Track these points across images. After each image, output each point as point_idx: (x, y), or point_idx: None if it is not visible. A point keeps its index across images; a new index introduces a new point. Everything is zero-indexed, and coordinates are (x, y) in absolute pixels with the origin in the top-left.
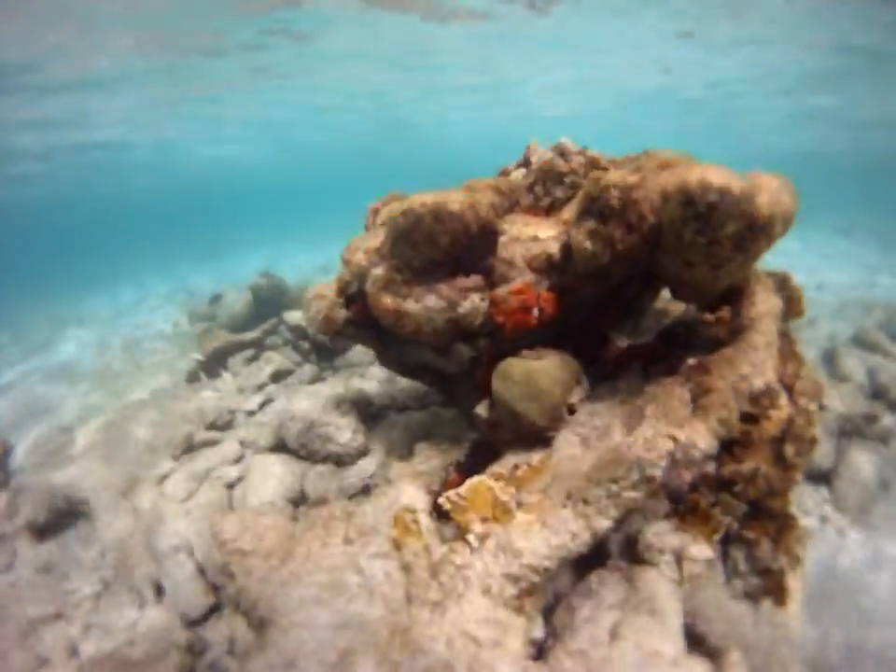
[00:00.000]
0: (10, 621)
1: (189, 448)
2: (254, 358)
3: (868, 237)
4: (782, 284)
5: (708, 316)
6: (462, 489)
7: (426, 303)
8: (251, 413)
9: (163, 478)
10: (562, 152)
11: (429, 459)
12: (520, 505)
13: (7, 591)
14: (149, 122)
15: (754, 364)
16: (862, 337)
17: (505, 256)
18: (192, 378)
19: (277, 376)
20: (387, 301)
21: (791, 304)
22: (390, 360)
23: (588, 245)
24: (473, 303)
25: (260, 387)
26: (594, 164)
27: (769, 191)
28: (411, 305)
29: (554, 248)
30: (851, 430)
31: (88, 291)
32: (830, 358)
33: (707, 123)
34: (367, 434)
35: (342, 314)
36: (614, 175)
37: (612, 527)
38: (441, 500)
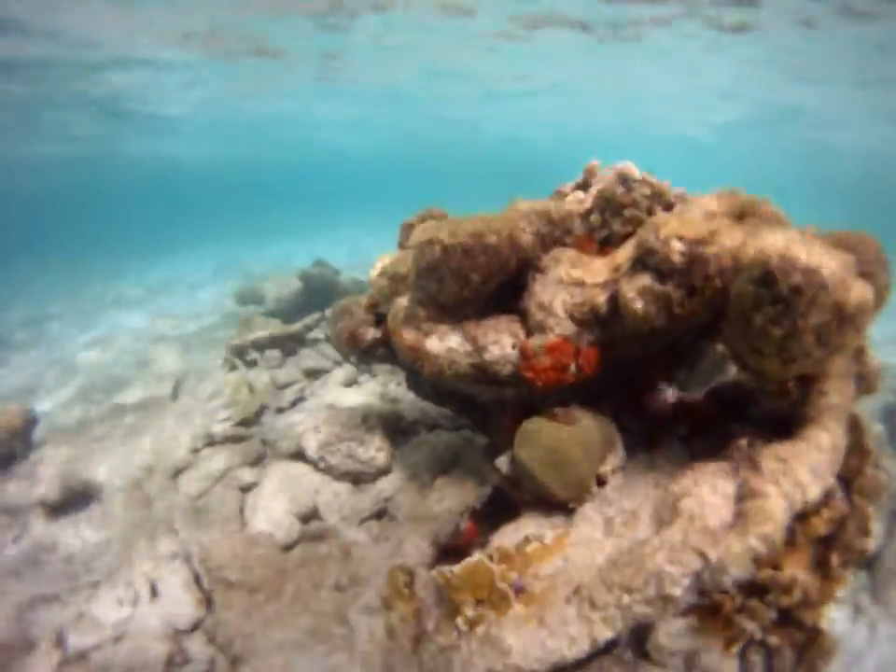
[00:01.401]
0: (8, 595)
1: (212, 441)
2: (292, 352)
3: None
4: (856, 356)
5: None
6: (459, 568)
7: (449, 344)
8: (280, 410)
9: (179, 471)
10: (624, 179)
11: (447, 498)
12: (521, 591)
13: (11, 564)
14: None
15: (815, 471)
16: None
17: (544, 300)
18: (229, 366)
19: (312, 374)
20: (408, 336)
21: (865, 381)
22: (419, 384)
23: (639, 305)
24: (503, 350)
25: (294, 384)
26: (658, 197)
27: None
28: (433, 344)
29: (601, 299)
30: None
31: (141, 262)
32: (890, 416)
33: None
34: (392, 452)
35: (370, 332)
36: (677, 224)
37: (616, 638)
38: (434, 574)
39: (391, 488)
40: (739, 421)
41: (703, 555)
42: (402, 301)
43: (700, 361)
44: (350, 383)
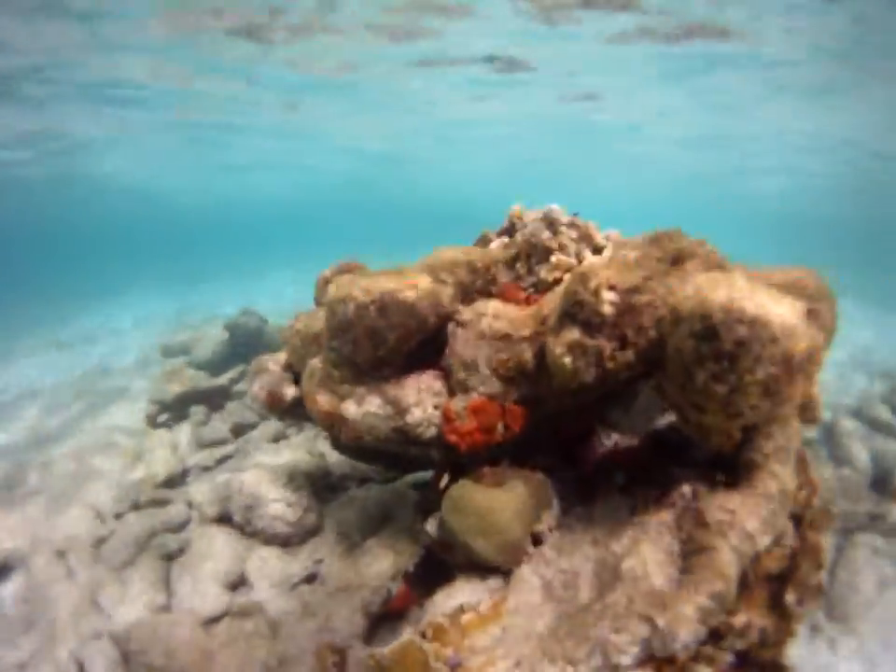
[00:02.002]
0: None
1: (135, 506)
2: (218, 407)
3: (865, 299)
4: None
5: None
6: (390, 650)
7: (367, 408)
8: (207, 469)
9: (102, 540)
10: (550, 222)
11: (378, 561)
12: (457, 668)
13: None
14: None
15: (764, 521)
16: (866, 412)
17: (467, 356)
18: (151, 422)
19: (238, 430)
20: (323, 401)
21: (806, 411)
22: (344, 445)
23: (568, 361)
24: (425, 412)
25: (219, 442)
26: (587, 240)
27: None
28: (350, 409)
29: (528, 354)
30: (853, 527)
31: (61, 310)
32: (829, 435)
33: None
34: (320, 511)
35: (289, 392)
36: (607, 272)
37: None
38: (364, 657)
39: (322, 550)
40: (680, 464)
41: (650, 621)
42: (316, 363)
43: (635, 400)
44: (278, 437)
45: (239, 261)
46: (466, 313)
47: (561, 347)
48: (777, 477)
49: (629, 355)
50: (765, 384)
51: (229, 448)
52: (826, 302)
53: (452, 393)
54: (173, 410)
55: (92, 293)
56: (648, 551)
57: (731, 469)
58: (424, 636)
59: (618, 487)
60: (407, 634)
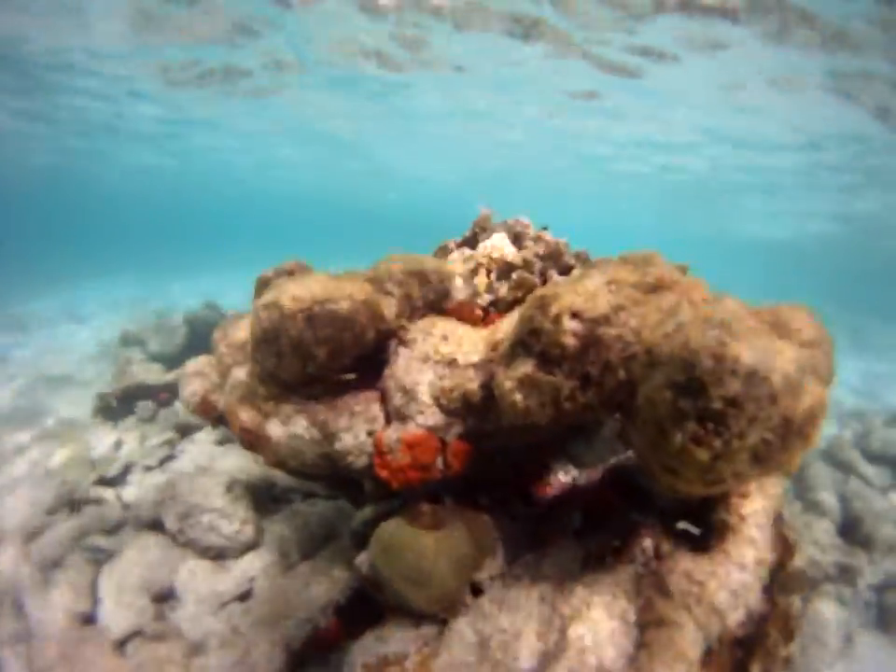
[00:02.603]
0: None
1: (71, 503)
2: (167, 403)
3: (841, 337)
4: None
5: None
6: None
7: (293, 429)
8: (149, 469)
9: (32, 535)
10: (516, 236)
11: (309, 588)
12: None
13: None
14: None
15: (736, 594)
16: (835, 454)
17: (406, 381)
18: (98, 415)
19: (184, 430)
20: (244, 417)
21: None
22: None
23: (518, 398)
24: (357, 439)
25: (164, 441)
26: (555, 259)
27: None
28: (274, 429)
29: (475, 384)
30: (821, 578)
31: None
32: (799, 479)
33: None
34: (259, 524)
35: (223, 399)
36: (571, 297)
37: None
38: None
39: (258, 566)
40: (642, 510)
41: None
42: (240, 374)
43: (599, 431)
44: (224, 441)
45: (217, 254)
46: (412, 331)
47: (511, 382)
48: (754, 544)
49: (591, 396)
50: (757, 450)
51: (173, 448)
52: (823, 348)
53: (388, 420)
54: (119, 404)
55: (57, 277)
56: (600, 616)
57: (699, 522)
58: None
59: (573, 531)
60: None
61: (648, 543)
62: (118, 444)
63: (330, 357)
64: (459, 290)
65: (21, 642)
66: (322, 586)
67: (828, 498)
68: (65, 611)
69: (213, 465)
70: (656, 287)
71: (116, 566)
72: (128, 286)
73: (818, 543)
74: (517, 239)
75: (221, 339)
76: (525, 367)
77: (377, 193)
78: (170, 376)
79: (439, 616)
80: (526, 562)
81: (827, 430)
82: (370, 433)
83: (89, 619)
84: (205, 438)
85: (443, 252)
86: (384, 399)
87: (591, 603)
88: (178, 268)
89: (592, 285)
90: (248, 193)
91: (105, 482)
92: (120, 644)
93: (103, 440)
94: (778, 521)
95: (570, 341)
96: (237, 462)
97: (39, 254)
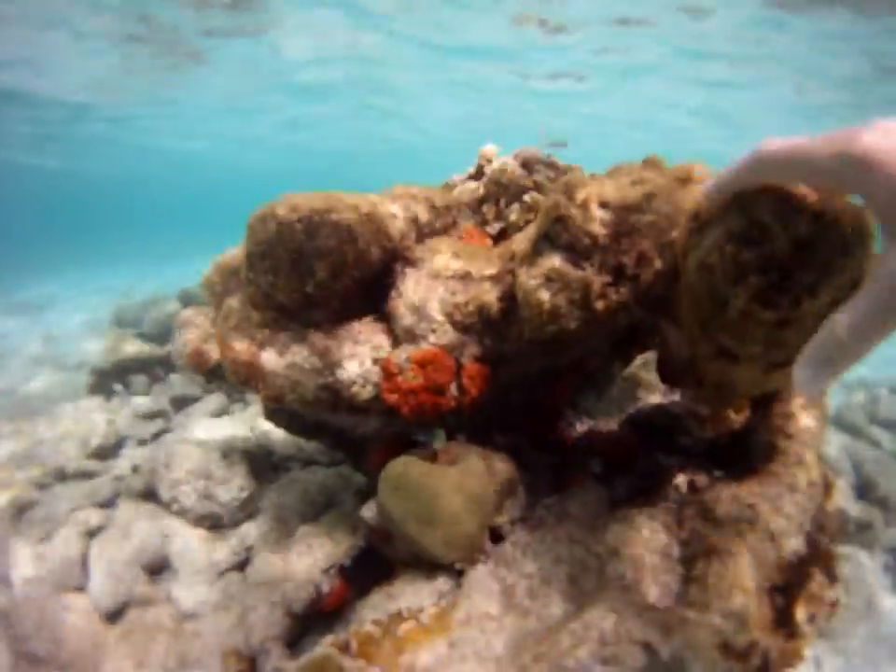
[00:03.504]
0: None
1: (62, 476)
2: (161, 378)
3: None
4: None
5: (703, 411)
6: (298, 667)
7: (291, 358)
8: (142, 442)
9: (23, 510)
10: (524, 161)
11: (311, 551)
12: None
13: None
14: None
15: (791, 518)
16: (845, 419)
17: (415, 299)
18: (93, 390)
19: (179, 403)
20: (238, 348)
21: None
22: (279, 414)
23: (545, 297)
24: (361, 367)
25: (158, 414)
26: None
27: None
28: (270, 359)
29: (492, 295)
30: (839, 540)
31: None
32: None
33: None
34: (257, 492)
35: (216, 349)
36: (599, 186)
37: None
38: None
39: (255, 534)
40: (668, 452)
41: (648, 648)
42: (233, 302)
43: (609, 388)
44: (220, 413)
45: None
46: (417, 250)
47: (536, 279)
48: (804, 465)
49: (624, 293)
50: (832, 306)
51: (167, 421)
52: None
53: (396, 346)
54: (112, 378)
55: (56, 260)
56: (639, 552)
57: (738, 457)
58: (346, 648)
59: (595, 476)
60: (326, 643)
61: (681, 479)
62: (110, 418)
63: (332, 275)
64: (466, 220)
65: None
66: (323, 550)
67: (843, 459)
68: (53, 584)
69: (208, 435)
70: (686, 181)
71: (107, 538)
72: (123, 271)
73: (835, 498)
74: (525, 164)
75: (214, 271)
76: (551, 261)
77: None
78: (163, 350)
79: (455, 567)
80: (548, 505)
81: (835, 398)
82: (375, 361)
83: (80, 591)
84: (201, 409)
85: (448, 188)
86: (390, 326)
87: (627, 539)
88: (173, 253)
89: (617, 181)
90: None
91: (97, 455)
92: (111, 616)
93: (95, 414)
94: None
95: (600, 229)
96: (234, 431)
97: (27, 239)
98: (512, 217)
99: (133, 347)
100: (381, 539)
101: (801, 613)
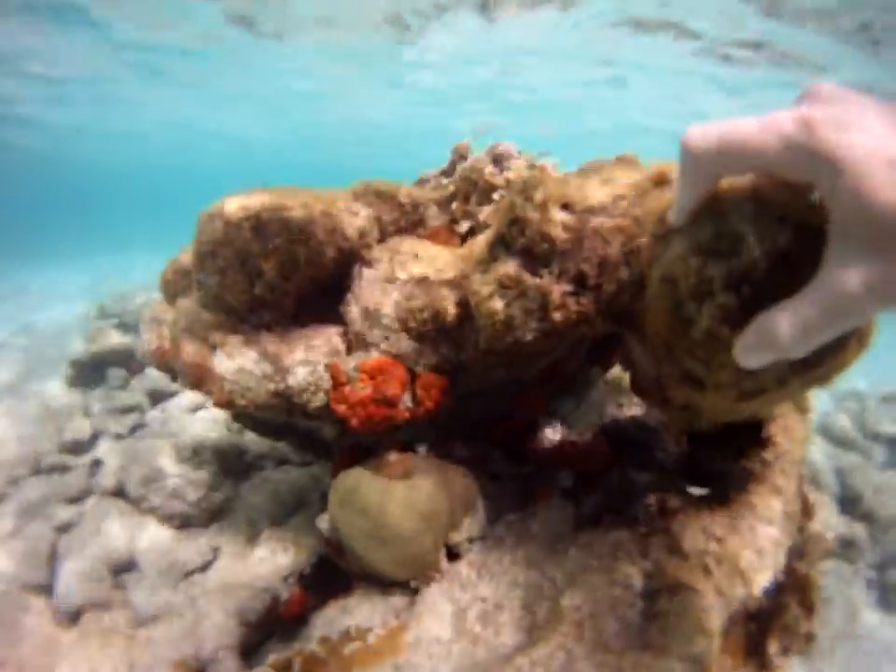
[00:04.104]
0: None
1: (36, 470)
2: (139, 371)
3: None
4: None
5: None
6: None
7: (241, 362)
8: (119, 437)
9: None
10: (497, 157)
11: (274, 556)
12: None
13: None
14: None
15: (762, 552)
16: (831, 429)
17: (369, 303)
18: (72, 382)
19: (156, 397)
20: (189, 350)
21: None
22: (245, 417)
23: (498, 306)
24: (313, 373)
25: (135, 408)
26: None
27: None
28: (220, 363)
29: (449, 301)
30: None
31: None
32: None
33: None
34: (228, 492)
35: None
36: (558, 188)
37: None
38: None
39: (224, 536)
40: (641, 466)
41: None
42: (185, 303)
43: (588, 392)
44: (197, 407)
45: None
46: (376, 251)
47: (489, 286)
48: (781, 494)
49: (586, 303)
50: None
51: (144, 415)
52: None
53: (350, 352)
54: (90, 371)
55: (41, 251)
56: (599, 583)
57: (713, 479)
58: (288, 668)
59: (564, 491)
60: (267, 664)
61: (651, 500)
62: (86, 412)
63: (281, 275)
64: (434, 218)
65: None
66: (287, 555)
67: (826, 473)
68: (17, 582)
69: (183, 431)
70: (658, 183)
71: (75, 535)
72: (106, 263)
73: (817, 517)
74: (497, 160)
75: (169, 268)
76: (507, 267)
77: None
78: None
79: (409, 584)
80: (510, 522)
81: (822, 407)
82: (328, 367)
83: (46, 590)
84: (178, 404)
85: (420, 184)
86: (345, 331)
87: (587, 568)
88: (166, 240)
89: (584, 180)
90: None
91: (71, 449)
92: (72, 617)
93: (71, 407)
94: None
95: (560, 233)
96: (208, 429)
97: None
98: (482, 216)
99: (113, 340)
100: (335, 553)
101: (773, 646)
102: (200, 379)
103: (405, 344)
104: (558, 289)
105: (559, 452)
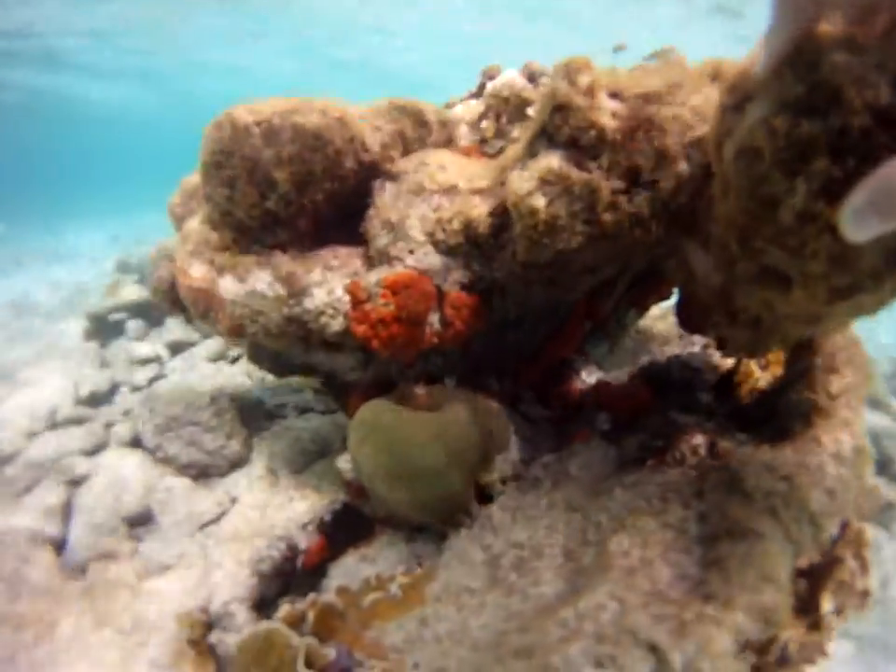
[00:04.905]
0: None
1: (53, 424)
2: (158, 323)
3: None
4: None
5: (723, 362)
6: (241, 641)
7: (252, 285)
8: (137, 389)
9: (7, 459)
10: (531, 75)
11: (293, 503)
12: None
13: None
14: None
15: (833, 493)
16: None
17: (392, 216)
18: (89, 336)
19: (176, 348)
20: (195, 274)
21: None
22: (262, 356)
23: (539, 203)
24: (330, 294)
25: (153, 359)
26: None
27: None
28: (229, 286)
29: (481, 210)
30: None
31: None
32: None
33: None
34: (247, 441)
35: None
36: (605, 76)
37: None
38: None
39: (242, 485)
40: (685, 409)
41: (656, 652)
42: (192, 224)
43: (622, 339)
44: (217, 358)
45: None
46: (401, 164)
47: (530, 181)
48: (850, 428)
49: (641, 203)
50: None
51: (163, 367)
52: None
53: (371, 268)
54: (108, 323)
55: (55, 213)
56: (649, 526)
57: (766, 421)
58: (301, 621)
59: (602, 434)
60: (277, 615)
61: (699, 440)
62: (104, 364)
63: (296, 187)
64: (463, 138)
65: None
66: (307, 502)
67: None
68: (30, 536)
69: (202, 381)
70: (715, 77)
71: (90, 487)
72: (128, 223)
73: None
74: (533, 79)
75: (177, 193)
76: (550, 160)
77: None
78: None
79: (435, 529)
80: (547, 463)
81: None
82: (347, 290)
83: (59, 543)
84: (198, 354)
85: (449, 108)
86: (369, 252)
87: (637, 509)
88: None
89: (631, 72)
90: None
91: (89, 402)
92: (83, 570)
93: (90, 360)
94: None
95: (610, 121)
96: (231, 377)
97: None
98: (515, 134)
99: (131, 292)
100: (357, 495)
101: (827, 604)
102: (207, 305)
103: (433, 259)
104: (608, 186)
105: (595, 394)
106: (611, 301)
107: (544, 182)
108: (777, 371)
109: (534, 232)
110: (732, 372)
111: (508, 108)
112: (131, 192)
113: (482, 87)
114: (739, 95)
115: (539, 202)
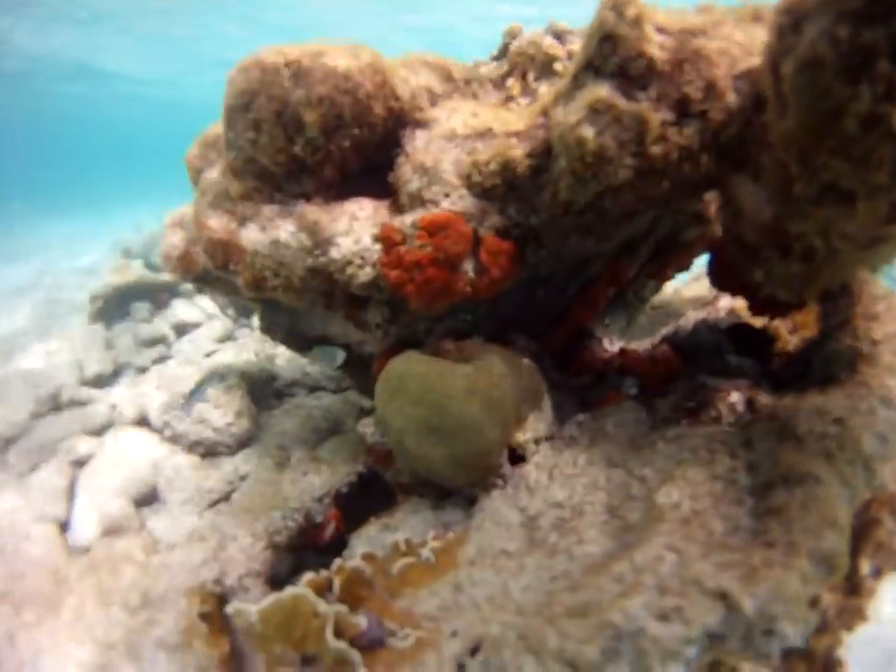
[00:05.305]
0: None
1: (57, 406)
2: (164, 305)
3: None
4: None
5: (758, 322)
6: (262, 608)
7: (275, 235)
8: (142, 370)
9: (12, 439)
10: (557, 34)
11: (307, 477)
12: (378, 647)
13: None
14: None
15: (885, 438)
16: None
17: (426, 160)
18: (94, 317)
19: (181, 329)
20: (214, 225)
21: None
22: (276, 327)
23: (588, 133)
24: (357, 243)
25: (159, 340)
26: None
27: None
28: (251, 236)
29: (519, 151)
30: None
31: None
32: None
33: None
34: (257, 418)
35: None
36: (650, 13)
37: None
38: (232, 611)
39: (252, 463)
40: (713, 372)
41: (725, 598)
42: (212, 175)
43: (640, 312)
44: (224, 338)
45: None
46: (430, 112)
47: (578, 111)
48: None
49: (690, 134)
50: None
51: (169, 348)
52: None
53: (401, 213)
54: (113, 305)
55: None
56: (698, 477)
57: (802, 377)
58: (328, 588)
59: (629, 398)
60: (302, 581)
61: (736, 398)
62: (108, 345)
63: (324, 131)
64: (488, 95)
65: None
66: (320, 476)
67: None
68: (34, 515)
69: (210, 360)
70: (756, 18)
71: (95, 466)
72: (134, 211)
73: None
74: (559, 37)
75: (195, 145)
76: (598, 90)
77: None
78: (166, 276)
79: (465, 492)
80: (581, 422)
81: None
82: (376, 238)
83: (64, 523)
84: (204, 335)
85: (475, 68)
86: (398, 203)
87: (683, 461)
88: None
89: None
90: None
91: (94, 383)
92: (87, 549)
93: (95, 340)
94: None
95: (658, 52)
96: (237, 357)
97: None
98: (542, 90)
99: (137, 273)
100: (380, 461)
101: (865, 566)
102: (227, 257)
103: (469, 202)
104: (657, 117)
105: (622, 360)
106: (634, 267)
107: (593, 111)
108: (807, 334)
109: (580, 165)
110: (762, 333)
111: (534, 65)
112: (133, 184)
113: (504, 48)
114: (797, 14)
115: (588, 131)
